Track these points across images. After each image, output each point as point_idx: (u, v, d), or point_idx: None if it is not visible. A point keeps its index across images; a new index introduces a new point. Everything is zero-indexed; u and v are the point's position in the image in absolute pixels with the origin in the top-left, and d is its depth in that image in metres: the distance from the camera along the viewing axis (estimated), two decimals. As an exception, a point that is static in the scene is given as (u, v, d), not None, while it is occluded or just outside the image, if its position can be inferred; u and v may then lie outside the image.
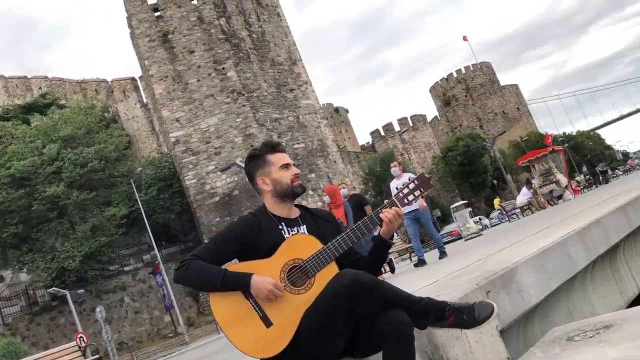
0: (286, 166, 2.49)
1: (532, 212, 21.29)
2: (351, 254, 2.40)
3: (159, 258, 28.82)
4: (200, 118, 33.66)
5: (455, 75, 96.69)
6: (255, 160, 2.53)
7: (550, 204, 21.28)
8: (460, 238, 23.85)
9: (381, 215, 2.34)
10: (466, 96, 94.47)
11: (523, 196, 22.60)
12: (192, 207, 33.29)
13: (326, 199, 8.76)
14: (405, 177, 9.34)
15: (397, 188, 2.75)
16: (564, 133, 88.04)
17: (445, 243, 13.22)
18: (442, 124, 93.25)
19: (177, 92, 33.73)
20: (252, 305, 2.21)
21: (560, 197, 21.81)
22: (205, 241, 23.55)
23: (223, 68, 34.17)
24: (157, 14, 34.98)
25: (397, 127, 62.08)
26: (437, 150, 62.63)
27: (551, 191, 22.33)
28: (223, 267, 2.26)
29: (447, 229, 36.81)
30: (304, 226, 2.44)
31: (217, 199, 32.63)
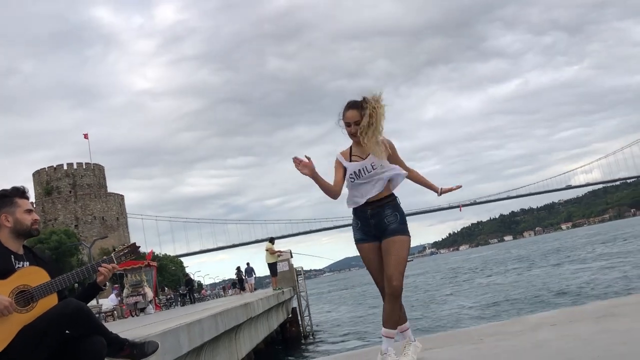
0: (29, 211, 3.01)
1: (114, 319, 21.83)
2: (63, 290, 3.00)
3: None
4: None
5: (65, 167, 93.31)
6: (3, 199, 2.97)
7: (132, 315, 22.32)
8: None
9: (99, 268, 3.09)
10: (70, 192, 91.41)
11: (110, 302, 23.10)
12: None
13: None
14: None
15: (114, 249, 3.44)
16: (153, 252, 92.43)
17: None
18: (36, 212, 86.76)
19: None
20: (-22, 315, 2.60)
21: (143, 309, 23.15)
22: None
23: None
24: None
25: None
26: (23, 239, 57.64)
27: (136, 302, 23.54)
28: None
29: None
30: (27, 262, 2.96)
31: None
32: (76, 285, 4.47)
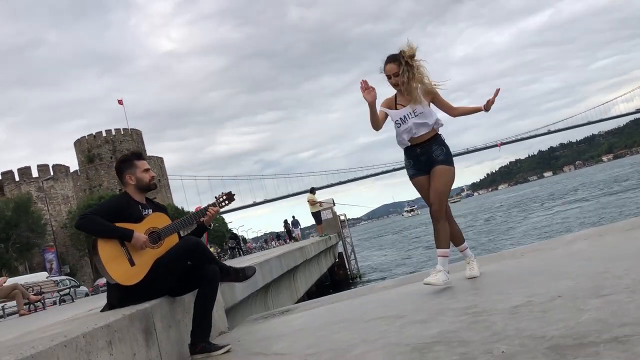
0: (147, 170, 3.71)
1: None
2: (180, 231, 3.74)
3: None
4: None
5: (104, 134, 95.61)
6: (126, 162, 3.68)
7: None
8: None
9: (208, 211, 3.81)
10: (111, 157, 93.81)
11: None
12: None
13: None
14: None
15: None
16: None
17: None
18: (81, 180, 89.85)
19: None
20: (124, 251, 3.35)
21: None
22: None
23: None
24: None
25: (35, 174, 57.70)
26: (74, 205, 60.21)
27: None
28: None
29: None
30: (150, 209, 3.69)
31: None
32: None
